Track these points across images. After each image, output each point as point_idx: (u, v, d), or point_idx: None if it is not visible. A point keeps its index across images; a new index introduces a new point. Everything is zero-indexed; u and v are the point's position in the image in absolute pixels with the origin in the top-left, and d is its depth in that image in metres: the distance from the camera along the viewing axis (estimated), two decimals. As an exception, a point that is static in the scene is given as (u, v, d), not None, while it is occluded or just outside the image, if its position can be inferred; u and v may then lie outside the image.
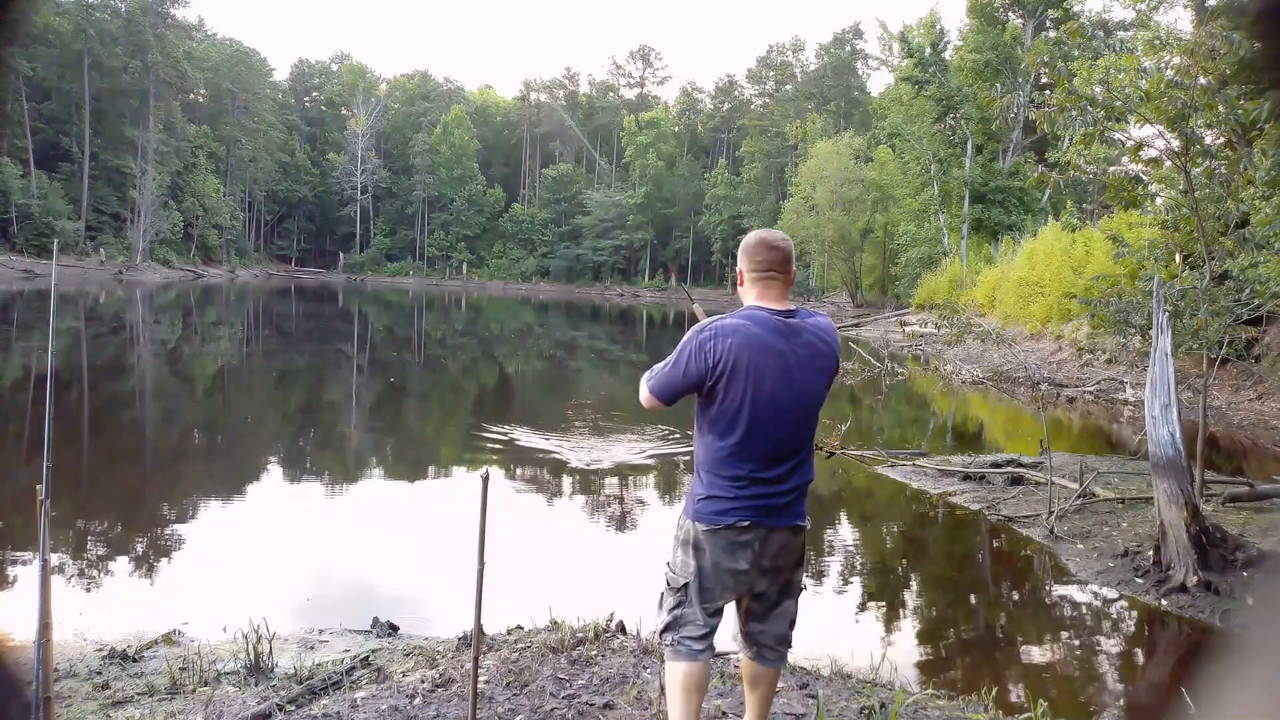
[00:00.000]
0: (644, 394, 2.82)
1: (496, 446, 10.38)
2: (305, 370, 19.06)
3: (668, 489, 8.69)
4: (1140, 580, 5.90)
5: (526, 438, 10.70)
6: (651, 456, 9.70)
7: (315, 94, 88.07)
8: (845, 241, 45.78)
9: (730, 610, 2.87)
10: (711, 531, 2.67)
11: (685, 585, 2.73)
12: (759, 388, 2.64)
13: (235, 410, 13.78)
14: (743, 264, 2.83)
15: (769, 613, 2.79)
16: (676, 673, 2.75)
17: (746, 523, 2.64)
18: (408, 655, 4.18)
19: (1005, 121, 34.30)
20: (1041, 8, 37.43)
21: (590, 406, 14.88)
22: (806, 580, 6.34)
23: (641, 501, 7.99)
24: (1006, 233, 33.20)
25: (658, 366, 2.80)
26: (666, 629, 2.77)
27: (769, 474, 2.67)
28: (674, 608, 2.75)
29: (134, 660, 4.12)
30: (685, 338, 2.72)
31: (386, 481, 8.45)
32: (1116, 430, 13.19)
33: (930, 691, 3.89)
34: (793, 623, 2.83)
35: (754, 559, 2.67)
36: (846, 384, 17.83)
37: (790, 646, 2.86)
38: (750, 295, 2.79)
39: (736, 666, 3.85)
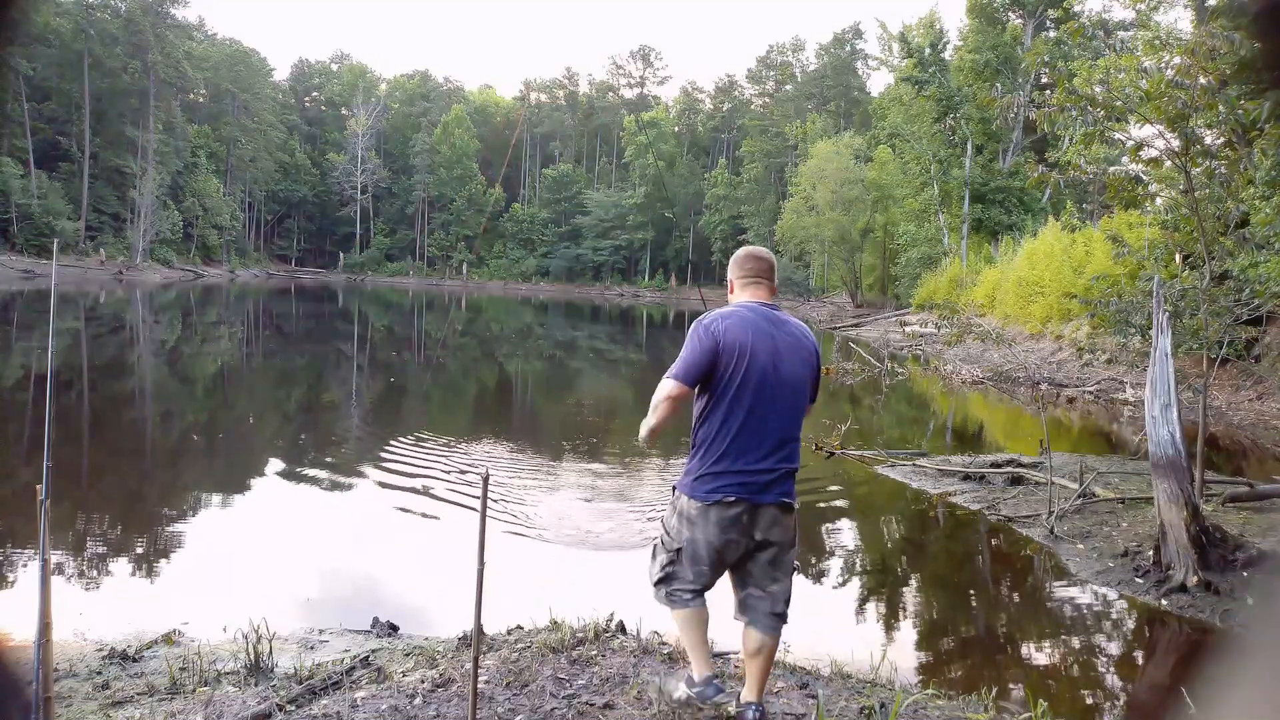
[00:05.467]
0: (666, 388, 3.02)
1: (494, 453, 10.39)
2: (305, 370, 19.06)
3: (666, 483, 8.68)
4: (1140, 580, 5.90)
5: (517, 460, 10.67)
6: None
7: (315, 94, 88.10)
8: (845, 241, 45.74)
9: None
10: (703, 508, 2.98)
11: (679, 550, 3.08)
12: (752, 364, 2.97)
13: (235, 410, 13.78)
14: (733, 273, 3.26)
15: (762, 586, 3.07)
16: (677, 616, 3.18)
17: (733, 498, 2.95)
18: (408, 655, 4.18)
19: (1005, 121, 34.32)
20: (1041, 8, 37.44)
21: (589, 408, 14.89)
22: (807, 580, 6.37)
23: (641, 500, 7.98)
24: (1006, 233, 33.20)
25: (673, 366, 3.08)
26: (659, 582, 3.16)
27: (755, 453, 2.96)
28: (666, 565, 3.12)
29: (134, 660, 4.12)
30: (690, 331, 3.08)
31: (387, 481, 8.44)
32: (1116, 430, 13.18)
33: (930, 691, 3.88)
34: (787, 600, 3.10)
35: (743, 531, 2.98)
36: (846, 384, 17.83)
37: (785, 621, 3.11)
38: (740, 298, 3.20)
39: (737, 666, 3.85)
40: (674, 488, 3.16)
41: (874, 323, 34.87)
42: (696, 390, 3.07)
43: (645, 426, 3.10)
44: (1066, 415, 14.74)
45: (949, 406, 16.78)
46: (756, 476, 2.96)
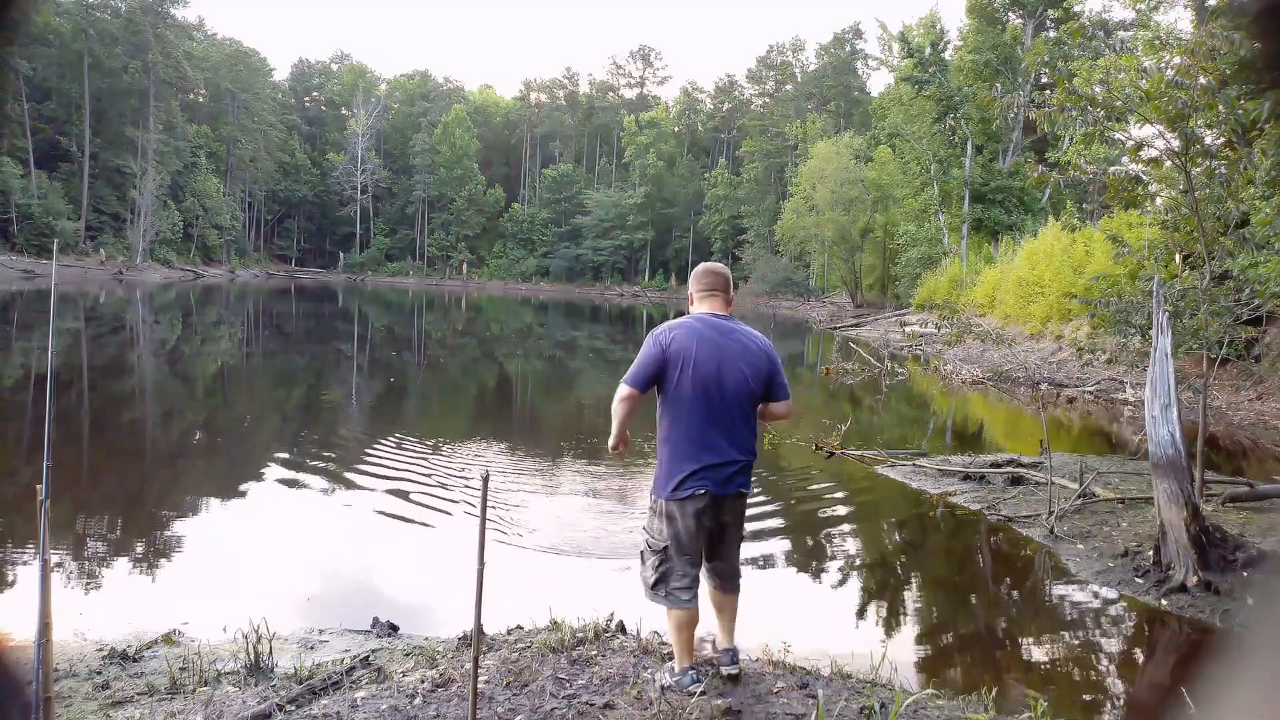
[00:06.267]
0: (620, 392, 3.48)
1: (493, 455, 10.38)
2: (305, 370, 19.05)
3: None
4: (1140, 580, 5.90)
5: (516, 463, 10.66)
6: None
7: (315, 94, 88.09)
8: (845, 241, 45.73)
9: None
10: (680, 503, 3.43)
11: (665, 547, 3.50)
12: (699, 368, 3.39)
13: (235, 410, 13.78)
14: (692, 287, 3.69)
15: (720, 556, 3.63)
16: (672, 617, 3.57)
17: (702, 491, 3.41)
18: (408, 655, 4.17)
19: (1005, 121, 34.32)
20: (1041, 8, 37.45)
21: (590, 408, 14.88)
22: (808, 580, 6.39)
23: (641, 501, 7.98)
24: (1006, 233, 33.19)
25: (627, 373, 3.51)
26: (656, 584, 3.54)
27: (711, 451, 3.40)
28: (658, 565, 3.52)
29: (134, 660, 4.12)
30: (645, 338, 3.52)
31: (386, 482, 8.43)
32: (1116, 430, 13.18)
33: (930, 691, 3.88)
34: (737, 570, 3.72)
35: (711, 517, 3.48)
36: (846, 384, 17.83)
37: (737, 580, 3.71)
38: (699, 310, 3.63)
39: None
40: (652, 495, 3.59)
41: (874, 323, 34.86)
42: (659, 400, 3.52)
43: (612, 437, 3.61)
44: (1066, 415, 14.74)
45: (949, 406, 16.77)
46: (719, 471, 3.42)
